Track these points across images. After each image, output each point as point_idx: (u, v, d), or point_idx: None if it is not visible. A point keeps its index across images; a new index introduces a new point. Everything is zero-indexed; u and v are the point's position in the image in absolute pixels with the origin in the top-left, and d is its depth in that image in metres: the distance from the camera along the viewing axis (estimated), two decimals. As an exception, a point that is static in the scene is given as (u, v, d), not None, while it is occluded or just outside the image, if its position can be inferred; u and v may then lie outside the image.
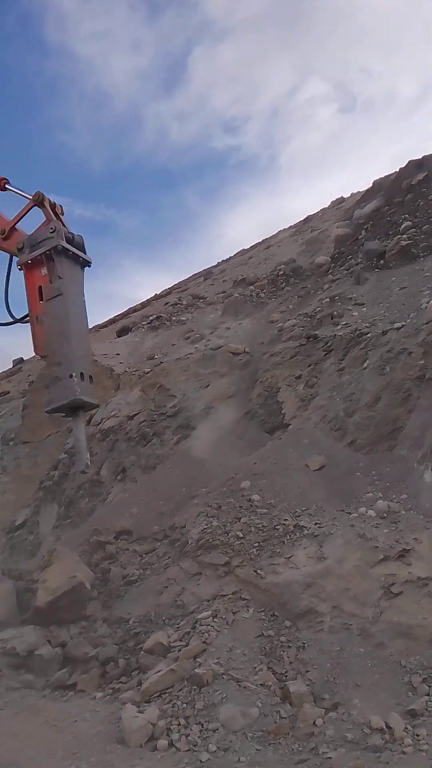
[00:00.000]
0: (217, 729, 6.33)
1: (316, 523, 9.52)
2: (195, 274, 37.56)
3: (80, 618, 9.04)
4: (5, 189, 7.31)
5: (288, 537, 9.31)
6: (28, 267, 6.54)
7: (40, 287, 6.58)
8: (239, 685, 6.98)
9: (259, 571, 8.84)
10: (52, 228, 6.54)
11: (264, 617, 8.32)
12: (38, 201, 6.89)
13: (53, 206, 6.75)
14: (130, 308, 32.53)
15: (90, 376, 6.03)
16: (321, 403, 14.17)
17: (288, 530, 9.46)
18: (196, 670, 7.07)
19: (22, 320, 7.07)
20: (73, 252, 6.44)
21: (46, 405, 6.24)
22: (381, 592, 8.13)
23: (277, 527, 9.58)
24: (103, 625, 8.95)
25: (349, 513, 9.74)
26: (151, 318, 22.80)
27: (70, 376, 6.03)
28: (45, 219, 6.65)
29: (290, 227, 37.20)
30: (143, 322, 22.86)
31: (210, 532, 9.59)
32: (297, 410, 14.67)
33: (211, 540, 9.43)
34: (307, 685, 7.19)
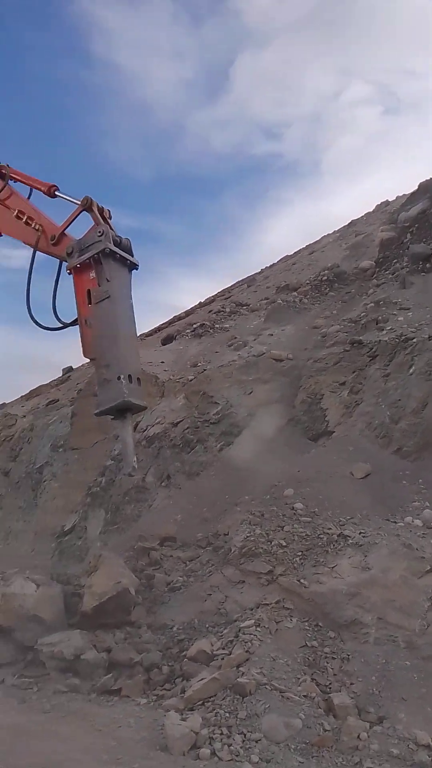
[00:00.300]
0: (260, 739, 6.30)
1: (360, 533, 9.38)
2: (239, 281, 37.61)
3: (125, 623, 9.16)
4: (55, 196, 7.52)
5: (332, 546, 9.22)
6: (77, 271, 6.64)
7: (89, 291, 6.60)
8: (282, 696, 6.93)
9: (302, 580, 8.78)
10: (100, 231, 6.61)
11: (308, 627, 8.25)
12: (87, 205, 6.98)
13: (101, 210, 6.89)
14: (174, 316, 32.81)
15: (138, 378, 6.05)
16: (366, 410, 13.97)
17: (332, 539, 9.37)
18: (238, 680, 7.06)
19: (71, 324, 7.02)
20: (120, 255, 6.48)
21: (94, 408, 6.32)
22: (428, 603, 7.96)
23: (320, 536, 9.50)
24: (147, 631, 9.05)
25: (395, 522, 9.57)
26: (194, 326, 22.97)
27: (118, 378, 6.00)
28: (93, 223, 6.73)
29: (334, 232, 36.87)
30: (187, 330, 23.04)
31: (253, 540, 9.59)
32: (341, 417, 14.50)
33: (253, 548, 9.43)
34: (352, 698, 7.09)
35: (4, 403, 27.58)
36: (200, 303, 36.38)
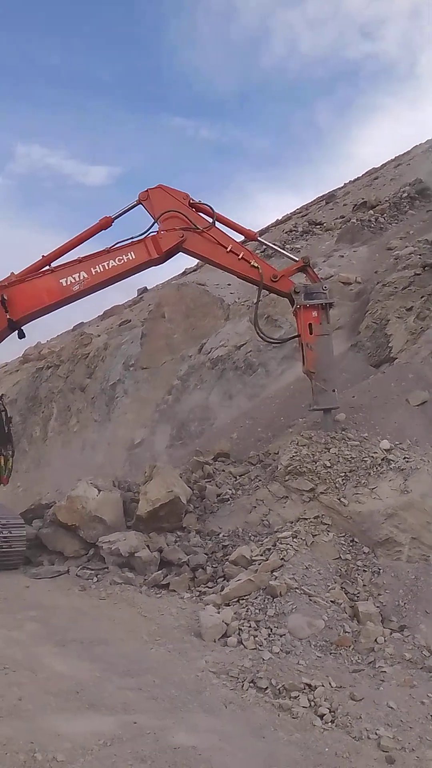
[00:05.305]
0: (284, 635, 6.93)
1: (405, 458, 9.53)
2: (318, 197, 36.21)
3: (176, 528, 10.02)
4: (256, 240, 11.60)
5: (375, 469, 9.44)
6: (304, 307, 10.14)
7: (311, 324, 10.09)
8: (310, 600, 7.49)
9: (342, 499, 9.15)
10: (324, 287, 10.43)
11: (343, 542, 8.69)
12: (306, 263, 10.75)
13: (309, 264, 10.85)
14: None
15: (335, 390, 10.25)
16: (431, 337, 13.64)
17: (375, 462, 9.57)
18: (271, 582, 7.68)
19: (289, 339, 12.21)
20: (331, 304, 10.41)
21: (312, 404, 10.47)
22: (463, 528, 8.13)
23: (365, 459, 9.72)
24: (196, 536, 9.86)
25: (442, 450, 9.61)
26: (264, 247, 22.67)
27: (333, 391, 10.16)
28: (312, 277, 10.73)
29: (426, 142, 34.32)
30: (256, 251, 22.82)
31: (298, 459, 9.94)
32: (405, 344, 14.25)
33: (298, 467, 9.81)
34: (377, 607, 7.55)
35: (82, 322, 28.88)
36: (277, 221, 35.52)
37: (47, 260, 10.57)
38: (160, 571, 9.17)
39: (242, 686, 5.75)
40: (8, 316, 10.12)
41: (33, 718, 4.69)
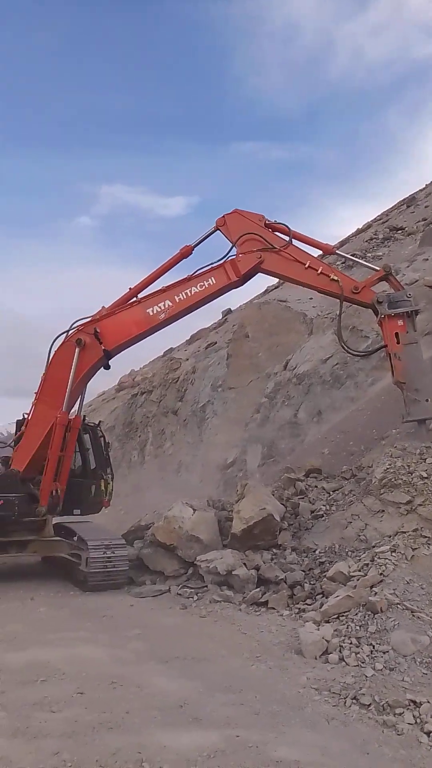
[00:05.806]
0: (387, 651, 6.74)
1: None
2: (399, 202, 35.35)
3: (272, 546, 10.05)
4: (334, 253, 12.17)
5: (474, 477, 9.05)
6: (388, 317, 9.83)
7: (397, 333, 9.75)
8: (413, 615, 7.26)
9: (441, 510, 8.82)
10: (409, 294, 10.01)
11: (445, 555, 8.36)
12: (387, 272, 10.44)
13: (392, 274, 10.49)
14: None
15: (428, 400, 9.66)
16: None
17: None
18: (371, 598, 7.52)
19: (375, 351, 11.84)
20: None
21: (405, 415, 10.02)
22: None
23: (463, 468, 9.34)
24: (292, 553, 9.84)
25: None
26: (344, 258, 22.43)
27: (426, 400, 9.64)
28: (395, 285, 10.37)
29: None
30: (337, 263, 22.60)
31: (393, 471, 9.71)
32: None
33: (393, 479, 9.58)
34: None
35: (171, 347, 29.72)
36: (357, 230, 34.98)
37: (134, 292, 11.11)
38: (258, 589, 9.22)
39: (344, 702, 5.67)
40: (102, 347, 10.70)
41: (140, 731, 4.90)
